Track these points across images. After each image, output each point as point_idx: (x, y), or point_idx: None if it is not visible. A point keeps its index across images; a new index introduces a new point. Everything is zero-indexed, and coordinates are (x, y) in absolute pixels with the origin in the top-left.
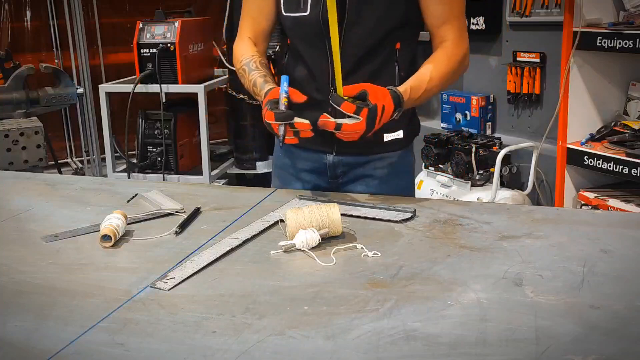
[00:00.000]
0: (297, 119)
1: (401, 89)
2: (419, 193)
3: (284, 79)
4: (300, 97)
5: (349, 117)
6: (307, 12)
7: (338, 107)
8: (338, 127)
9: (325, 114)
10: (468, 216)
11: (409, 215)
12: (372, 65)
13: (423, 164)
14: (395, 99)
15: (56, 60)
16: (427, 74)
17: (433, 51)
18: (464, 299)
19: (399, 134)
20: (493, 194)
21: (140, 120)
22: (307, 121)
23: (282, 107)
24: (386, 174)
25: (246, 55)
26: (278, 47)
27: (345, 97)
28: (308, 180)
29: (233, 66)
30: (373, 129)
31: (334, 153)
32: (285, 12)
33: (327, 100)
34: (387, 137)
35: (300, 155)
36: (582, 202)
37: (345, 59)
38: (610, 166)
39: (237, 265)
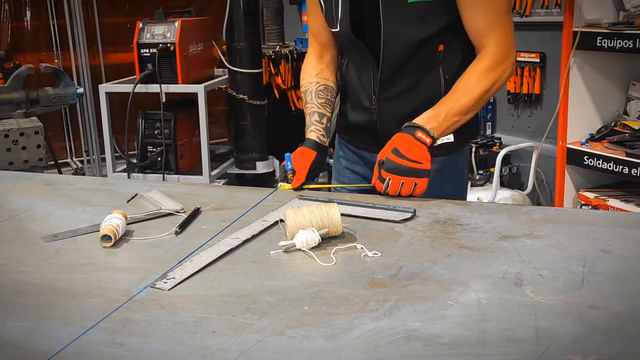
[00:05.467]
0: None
1: (427, 118)
2: None
3: (287, 157)
4: (296, 182)
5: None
6: (338, 28)
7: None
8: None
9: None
10: (468, 216)
11: (409, 215)
12: (414, 73)
13: None
14: (422, 139)
15: (56, 60)
16: (460, 97)
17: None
18: (464, 299)
19: (450, 137)
20: (493, 194)
21: (140, 120)
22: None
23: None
24: (435, 177)
25: (307, 79)
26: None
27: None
28: (359, 172)
29: (235, 67)
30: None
31: None
32: (329, 26)
33: (372, 106)
34: (439, 140)
35: (353, 151)
36: (582, 202)
37: (385, 70)
38: (610, 166)
39: (237, 265)
